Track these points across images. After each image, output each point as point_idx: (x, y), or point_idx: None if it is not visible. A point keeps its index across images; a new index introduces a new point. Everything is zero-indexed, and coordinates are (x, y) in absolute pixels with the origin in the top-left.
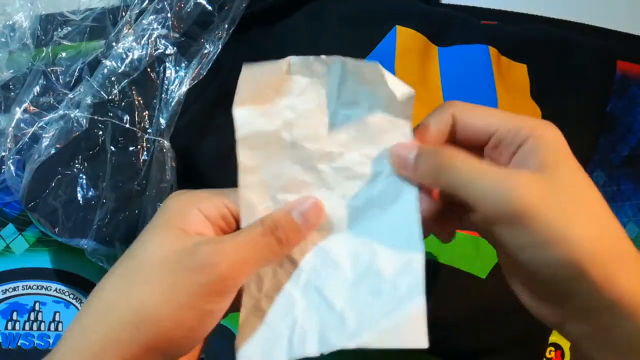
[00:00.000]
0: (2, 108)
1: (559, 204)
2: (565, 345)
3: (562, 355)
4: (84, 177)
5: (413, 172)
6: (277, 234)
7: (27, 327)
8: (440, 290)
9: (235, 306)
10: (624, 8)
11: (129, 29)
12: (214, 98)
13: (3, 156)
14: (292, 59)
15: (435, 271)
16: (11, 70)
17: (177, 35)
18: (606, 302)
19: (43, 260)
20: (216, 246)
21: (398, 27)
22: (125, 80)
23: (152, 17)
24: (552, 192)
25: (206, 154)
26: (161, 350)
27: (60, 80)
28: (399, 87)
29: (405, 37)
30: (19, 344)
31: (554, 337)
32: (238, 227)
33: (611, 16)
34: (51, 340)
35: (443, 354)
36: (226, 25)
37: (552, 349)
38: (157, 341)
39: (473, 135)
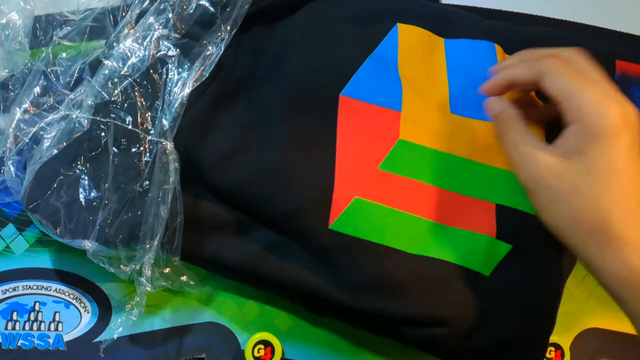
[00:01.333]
0: (2, 108)
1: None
2: (566, 345)
3: (562, 355)
4: (86, 178)
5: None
6: None
7: (27, 327)
8: (443, 286)
9: None
10: (624, 8)
11: (130, 30)
12: (215, 97)
13: (3, 157)
14: None
15: (438, 267)
16: (6, 70)
17: (178, 36)
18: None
19: (43, 260)
20: None
21: (400, 25)
22: (127, 81)
23: (153, 17)
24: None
25: (207, 154)
26: None
27: (61, 81)
28: None
29: (407, 34)
30: (19, 344)
31: (554, 338)
32: None
33: (611, 16)
34: (51, 340)
35: (443, 351)
36: (228, 27)
37: (552, 349)
38: None
39: (548, 95)
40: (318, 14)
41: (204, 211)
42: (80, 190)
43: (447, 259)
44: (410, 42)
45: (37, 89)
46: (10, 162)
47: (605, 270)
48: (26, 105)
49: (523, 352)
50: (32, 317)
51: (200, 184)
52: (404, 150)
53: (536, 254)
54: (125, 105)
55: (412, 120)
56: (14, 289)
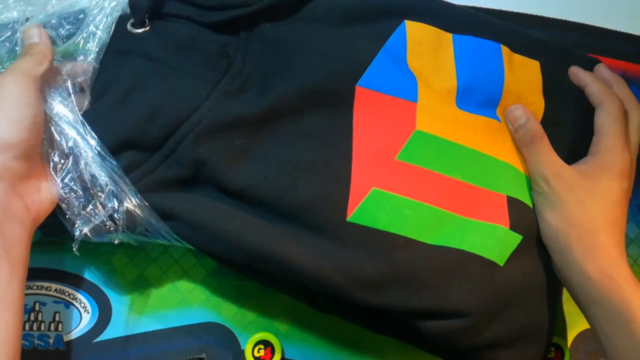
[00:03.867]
0: None
1: (576, 196)
2: (565, 345)
3: (562, 355)
4: None
5: (514, 132)
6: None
7: (27, 327)
8: (463, 277)
9: None
10: (624, 8)
11: None
12: (225, 93)
13: None
14: None
15: (457, 257)
16: None
17: None
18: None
19: (43, 260)
20: None
21: (407, 22)
22: None
23: None
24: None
25: (220, 150)
26: None
27: None
28: None
29: (415, 31)
30: None
31: (554, 338)
32: None
33: (611, 16)
34: (51, 341)
35: (460, 343)
36: None
37: (552, 349)
38: None
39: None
40: (326, 10)
41: (217, 213)
42: None
43: (465, 249)
44: (418, 39)
45: None
46: None
47: (583, 269)
48: None
49: (532, 341)
50: (32, 317)
51: (212, 185)
52: (420, 140)
53: (541, 244)
54: None
55: (427, 111)
56: None
